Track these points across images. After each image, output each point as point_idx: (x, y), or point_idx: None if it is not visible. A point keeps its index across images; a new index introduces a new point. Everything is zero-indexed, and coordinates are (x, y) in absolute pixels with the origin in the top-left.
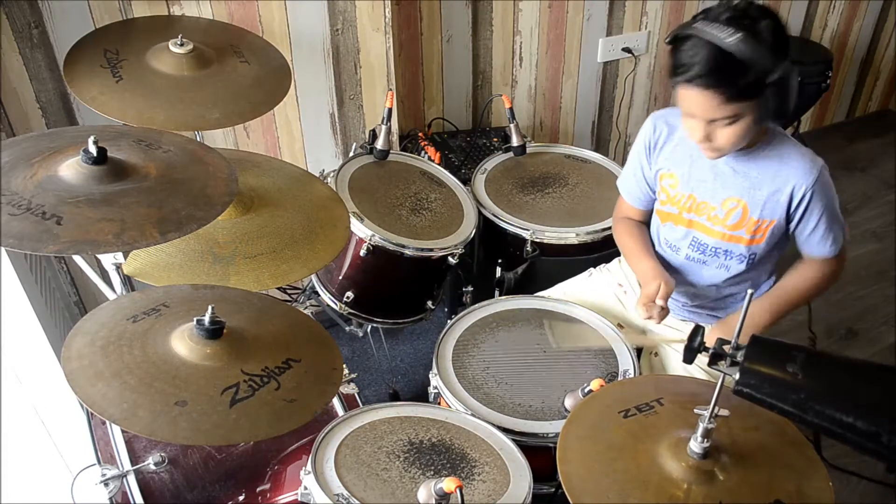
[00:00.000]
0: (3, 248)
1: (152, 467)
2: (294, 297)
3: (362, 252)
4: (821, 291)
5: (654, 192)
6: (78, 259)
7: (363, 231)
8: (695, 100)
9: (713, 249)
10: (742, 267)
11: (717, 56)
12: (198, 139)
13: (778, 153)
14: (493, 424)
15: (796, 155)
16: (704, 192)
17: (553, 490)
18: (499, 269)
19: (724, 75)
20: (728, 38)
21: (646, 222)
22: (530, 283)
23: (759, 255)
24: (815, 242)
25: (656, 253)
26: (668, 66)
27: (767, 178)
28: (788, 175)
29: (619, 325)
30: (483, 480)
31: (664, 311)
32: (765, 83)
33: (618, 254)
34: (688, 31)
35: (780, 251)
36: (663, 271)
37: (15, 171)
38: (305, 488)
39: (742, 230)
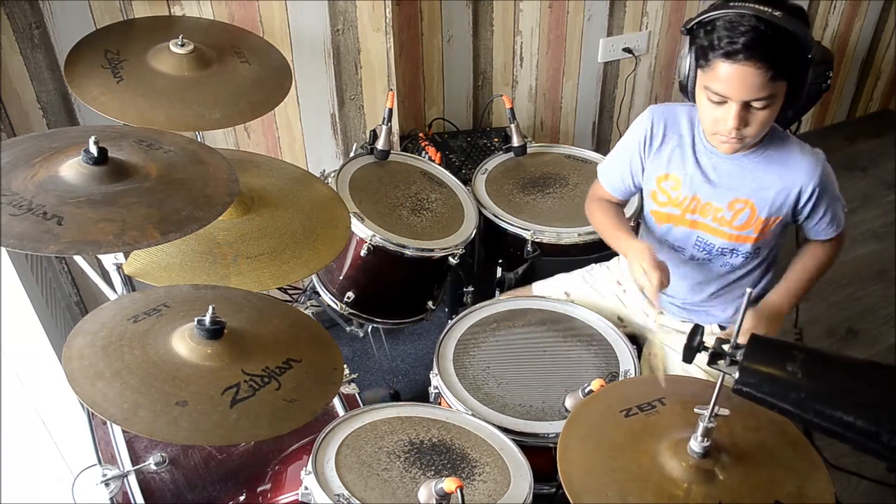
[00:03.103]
0: (3, 249)
1: (153, 467)
2: (294, 297)
3: (363, 252)
4: (829, 268)
5: (636, 188)
6: (79, 259)
7: (364, 231)
8: (736, 77)
9: (720, 249)
10: (747, 262)
11: (765, 28)
12: (198, 139)
13: (781, 151)
14: (494, 424)
15: (800, 152)
16: (709, 193)
17: (553, 490)
18: (499, 270)
19: (772, 48)
20: (773, 12)
21: (622, 206)
22: (531, 284)
23: (765, 249)
24: (822, 229)
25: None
26: (698, 47)
27: (775, 178)
28: (795, 175)
29: (620, 319)
30: (483, 480)
31: (664, 272)
32: (807, 60)
33: (617, 254)
34: (718, 12)
35: (782, 236)
36: (643, 242)
37: (16, 171)
38: (306, 488)
39: (750, 230)
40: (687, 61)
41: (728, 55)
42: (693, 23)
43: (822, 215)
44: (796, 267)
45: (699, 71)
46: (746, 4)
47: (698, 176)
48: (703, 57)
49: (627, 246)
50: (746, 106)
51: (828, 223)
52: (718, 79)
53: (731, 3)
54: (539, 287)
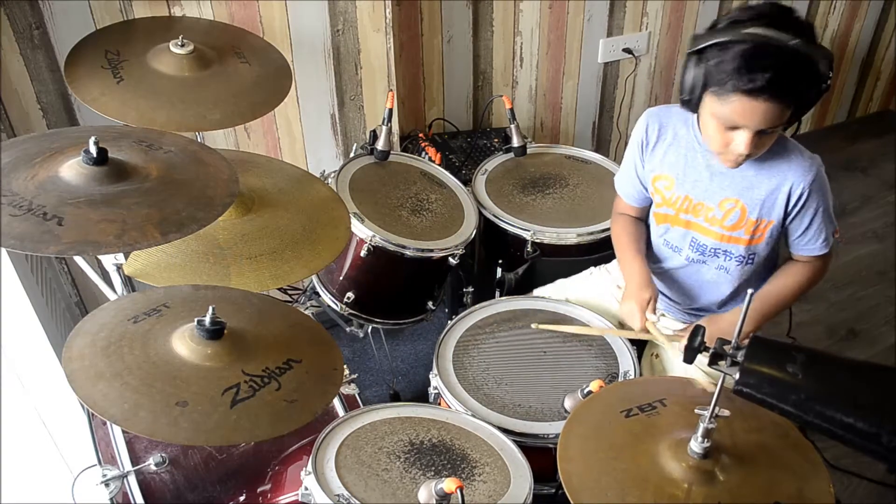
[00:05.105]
0: (4, 249)
1: (153, 468)
2: (295, 297)
3: (363, 253)
4: (804, 292)
5: (647, 191)
6: (79, 260)
7: (364, 232)
8: (754, 113)
9: (712, 250)
10: (741, 268)
11: (788, 62)
12: (199, 140)
13: (775, 152)
14: (494, 425)
15: (794, 153)
16: (701, 193)
17: (553, 490)
18: (499, 270)
19: (795, 83)
20: (791, 41)
21: (643, 219)
22: (531, 284)
23: (759, 257)
24: (806, 242)
25: (656, 255)
26: (710, 74)
27: (764, 178)
28: (786, 174)
29: (621, 325)
30: (483, 481)
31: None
32: (823, 85)
33: None
34: (734, 36)
35: (778, 249)
36: (650, 281)
37: (16, 171)
38: (306, 489)
39: (741, 230)
40: (691, 79)
41: (750, 93)
42: (704, 45)
43: (808, 223)
44: (768, 288)
45: (708, 95)
46: (758, 33)
47: (690, 175)
48: (716, 84)
49: (632, 274)
50: (760, 132)
51: (812, 236)
52: (733, 111)
53: (745, 30)
54: (539, 292)
